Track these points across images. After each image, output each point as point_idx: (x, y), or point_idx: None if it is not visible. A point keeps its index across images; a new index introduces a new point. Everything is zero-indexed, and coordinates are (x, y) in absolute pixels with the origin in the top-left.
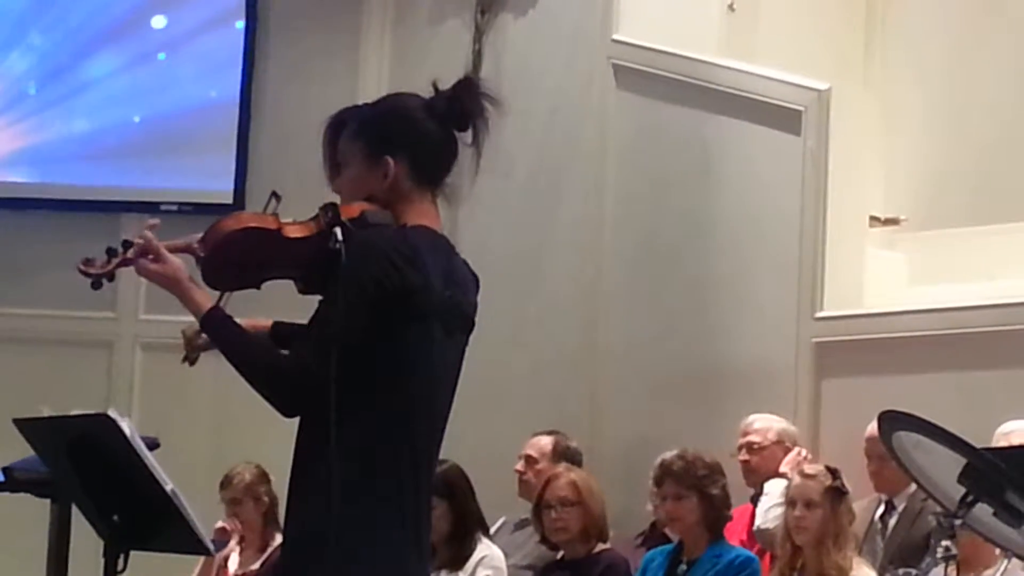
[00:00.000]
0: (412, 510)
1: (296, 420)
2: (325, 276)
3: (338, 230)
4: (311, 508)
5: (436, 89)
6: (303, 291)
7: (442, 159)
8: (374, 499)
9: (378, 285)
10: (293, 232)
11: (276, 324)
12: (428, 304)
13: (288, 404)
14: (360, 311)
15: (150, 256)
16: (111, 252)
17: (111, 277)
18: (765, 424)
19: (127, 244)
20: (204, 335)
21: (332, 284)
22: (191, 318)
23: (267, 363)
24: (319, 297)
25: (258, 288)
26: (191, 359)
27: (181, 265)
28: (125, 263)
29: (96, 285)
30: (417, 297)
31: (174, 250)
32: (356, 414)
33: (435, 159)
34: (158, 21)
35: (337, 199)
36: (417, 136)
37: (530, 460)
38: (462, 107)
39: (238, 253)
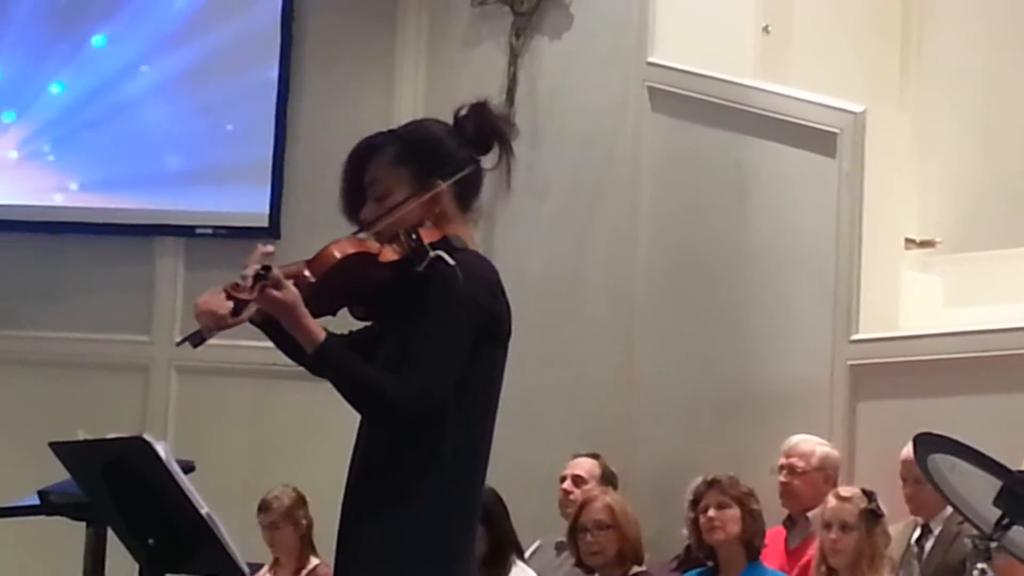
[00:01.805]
0: (475, 531)
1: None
2: (393, 300)
3: (443, 254)
4: (393, 526)
5: (456, 116)
6: (363, 316)
7: (477, 183)
8: (451, 521)
9: (484, 310)
10: (387, 256)
11: None
12: (506, 330)
13: (398, 426)
14: (469, 335)
15: (271, 283)
16: (258, 278)
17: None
18: (809, 448)
19: (267, 269)
20: (233, 318)
21: (417, 308)
22: (223, 341)
23: (381, 389)
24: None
25: (334, 315)
26: (199, 342)
27: (298, 293)
28: (264, 289)
29: (237, 312)
30: (502, 324)
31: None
32: (448, 437)
33: (473, 183)
34: (193, 46)
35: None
36: (459, 160)
37: (578, 480)
38: (490, 130)
39: (345, 278)
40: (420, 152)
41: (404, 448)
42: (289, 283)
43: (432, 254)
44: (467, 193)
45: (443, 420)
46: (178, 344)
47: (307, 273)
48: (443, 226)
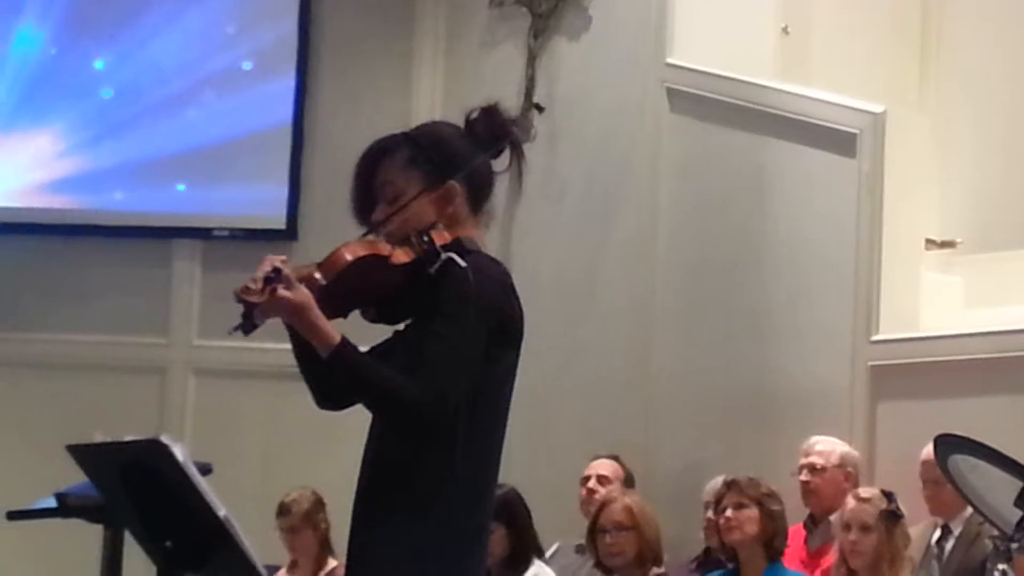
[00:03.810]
0: (487, 532)
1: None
2: (405, 302)
3: (455, 256)
4: (405, 526)
5: (467, 119)
6: (374, 319)
7: (489, 185)
8: (463, 523)
9: (498, 312)
10: (399, 258)
11: None
12: (520, 333)
13: (414, 428)
14: (482, 336)
15: (281, 283)
16: (268, 280)
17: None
18: (828, 447)
19: (278, 272)
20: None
21: (430, 311)
22: (240, 343)
23: (398, 392)
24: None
25: (345, 317)
26: (251, 329)
27: (309, 293)
28: (274, 291)
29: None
30: (514, 325)
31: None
32: (461, 438)
33: (485, 185)
34: (211, 48)
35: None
36: (471, 163)
37: (603, 480)
38: (501, 132)
39: (357, 281)
40: (432, 154)
41: (416, 449)
42: (301, 284)
43: (444, 256)
44: (479, 195)
45: (455, 421)
46: (230, 332)
47: (318, 276)
48: (455, 228)
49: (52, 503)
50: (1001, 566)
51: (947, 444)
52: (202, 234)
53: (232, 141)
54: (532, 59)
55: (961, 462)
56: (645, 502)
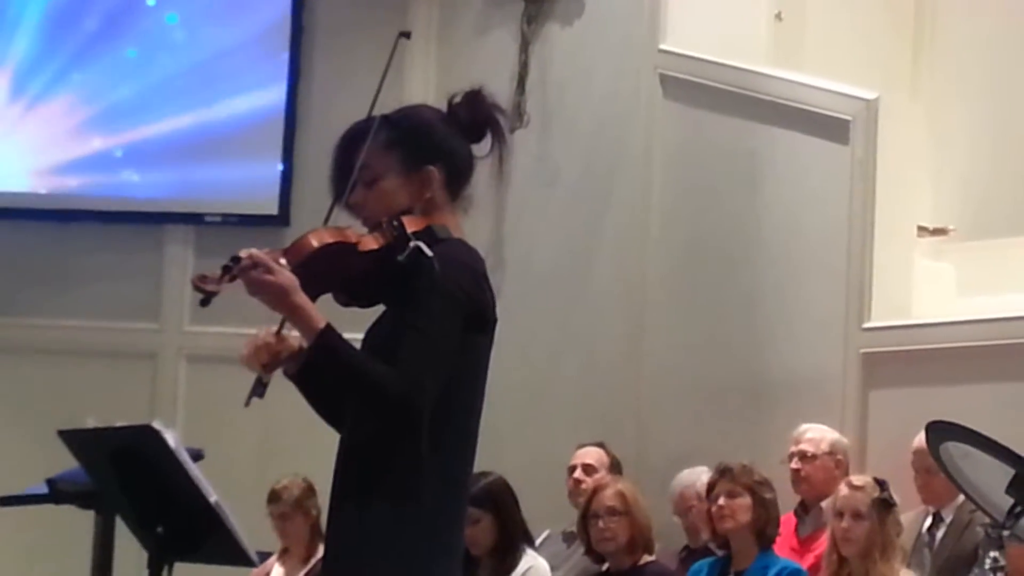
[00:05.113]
0: (463, 519)
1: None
2: (376, 289)
3: (422, 244)
4: (376, 512)
5: (450, 103)
6: (346, 304)
7: (468, 171)
8: (436, 507)
9: (469, 299)
10: (367, 245)
11: None
12: (492, 319)
13: (398, 419)
14: (457, 324)
15: (260, 268)
16: (226, 269)
17: (216, 294)
18: (818, 434)
19: (237, 259)
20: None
21: (404, 302)
22: (232, 329)
23: (381, 381)
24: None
25: (312, 302)
26: (263, 389)
27: (293, 277)
28: (234, 279)
29: (205, 302)
30: (486, 312)
31: None
32: (433, 426)
33: (464, 171)
34: (204, 33)
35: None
36: (450, 147)
37: (588, 468)
38: (483, 118)
39: (322, 267)
40: (411, 138)
41: (388, 435)
42: (284, 268)
43: (412, 245)
44: (457, 181)
45: (428, 409)
46: (246, 405)
47: (283, 261)
48: (431, 213)
49: (43, 489)
50: (992, 553)
51: (939, 431)
52: (194, 219)
53: (225, 126)
54: (525, 45)
55: (953, 449)
56: (636, 489)
